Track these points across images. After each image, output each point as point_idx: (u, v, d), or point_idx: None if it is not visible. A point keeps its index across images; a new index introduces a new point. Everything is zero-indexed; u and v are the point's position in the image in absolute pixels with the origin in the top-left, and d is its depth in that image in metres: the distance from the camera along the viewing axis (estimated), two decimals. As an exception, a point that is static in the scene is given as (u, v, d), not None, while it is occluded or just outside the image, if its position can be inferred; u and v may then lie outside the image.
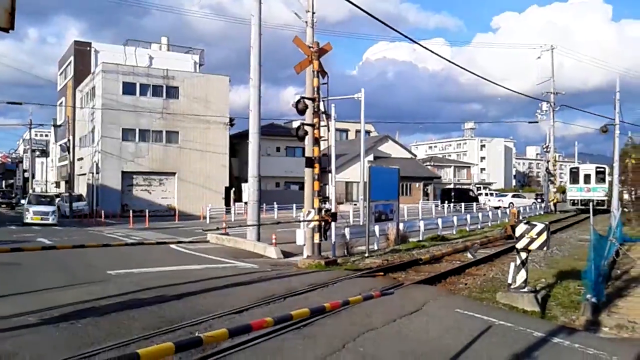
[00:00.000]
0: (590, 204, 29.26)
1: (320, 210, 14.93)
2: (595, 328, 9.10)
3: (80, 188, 50.41)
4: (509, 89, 61.04)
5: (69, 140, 47.37)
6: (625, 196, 33.12)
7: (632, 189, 32.35)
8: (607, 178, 44.72)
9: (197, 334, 4.43)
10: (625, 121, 36.66)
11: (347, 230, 18.24)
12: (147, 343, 6.55)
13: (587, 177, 47.82)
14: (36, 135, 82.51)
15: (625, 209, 28.02)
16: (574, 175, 49.48)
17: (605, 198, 42.28)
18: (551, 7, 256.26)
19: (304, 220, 16.00)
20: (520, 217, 25.52)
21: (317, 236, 14.93)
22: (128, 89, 45.25)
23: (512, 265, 10.78)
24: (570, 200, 49.17)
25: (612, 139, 33.78)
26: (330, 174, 21.89)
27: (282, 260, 16.22)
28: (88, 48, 52.90)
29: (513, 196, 68.22)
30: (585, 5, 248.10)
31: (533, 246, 10.48)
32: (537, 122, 54.89)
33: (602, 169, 47.70)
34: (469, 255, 16.85)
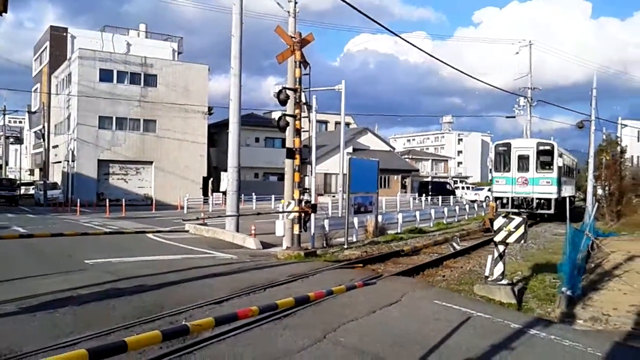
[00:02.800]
0: (531, 204, 28.62)
1: (300, 201, 14.93)
2: (570, 320, 9.27)
3: (55, 176, 49.70)
4: (487, 83, 61.36)
5: (43, 127, 46.71)
6: (599, 192, 33.71)
7: (606, 184, 32.94)
8: (557, 162, 28.70)
9: (182, 323, 4.41)
10: (601, 117, 37.21)
11: (326, 222, 18.27)
12: (127, 333, 6.52)
13: (523, 161, 29.65)
14: (10, 121, 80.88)
15: (599, 204, 28.58)
16: (502, 158, 30.34)
17: (554, 196, 28.25)
18: (531, 3, 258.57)
19: (284, 212, 15.99)
20: (498, 211, 25.93)
21: (296, 227, 14.94)
22: (105, 76, 44.63)
23: (490, 257, 10.92)
24: (497, 198, 30.06)
25: (588, 135, 34.29)
26: (310, 166, 21.87)
27: (261, 251, 16.21)
28: (64, 34, 52.01)
29: (489, 190, 68.76)
30: (565, 2, 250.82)
31: (510, 239, 10.62)
32: (514, 117, 55.27)
33: (547, 148, 29.63)
34: (452, 247, 17.02)
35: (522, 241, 10.95)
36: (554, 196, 28.04)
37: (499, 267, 10.67)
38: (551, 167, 28.68)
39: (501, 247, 10.67)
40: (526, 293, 11.20)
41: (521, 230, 10.58)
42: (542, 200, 28.24)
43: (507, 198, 29.05)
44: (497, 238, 10.71)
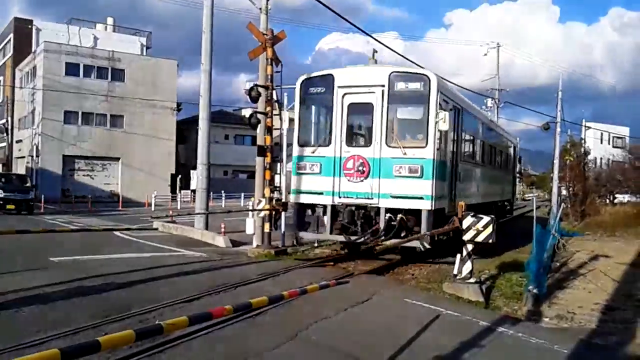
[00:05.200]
0: (372, 223, 12.89)
1: (270, 199, 14.86)
2: (537, 318, 9.45)
3: (19, 171, 48.53)
4: (454, 84, 61.80)
5: (7, 121, 45.56)
6: (564, 192, 34.39)
7: (570, 185, 33.62)
8: (439, 122, 12.51)
9: (154, 322, 4.35)
10: (566, 120, 37.98)
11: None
12: (95, 332, 6.41)
13: (359, 119, 14.05)
14: (-29, 115, 78.72)
15: (563, 205, 29.10)
16: (316, 111, 14.63)
17: (427, 205, 12.51)
18: (501, 5, 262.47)
19: (254, 210, 15.92)
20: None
21: (267, 225, 14.86)
22: (71, 70, 43.79)
23: (458, 256, 11.05)
24: (300, 206, 13.94)
25: (553, 137, 34.95)
26: (281, 164, 21.81)
27: (231, 249, 16.10)
28: (29, 26, 50.71)
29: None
30: (534, 5, 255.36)
31: (479, 238, 10.76)
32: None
33: (416, 88, 12.83)
34: (422, 245, 17.08)
35: (490, 240, 11.11)
36: (426, 206, 12.48)
37: (467, 266, 10.79)
38: (423, 133, 12.80)
39: (470, 246, 10.80)
40: (493, 291, 11.36)
41: (489, 229, 10.73)
42: (400, 216, 12.63)
43: (322, 207, 13.44)
44: (466, 237, 10.84)
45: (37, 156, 42.25)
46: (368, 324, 7.85)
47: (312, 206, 13.70)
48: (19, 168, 48.96)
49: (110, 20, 55.03)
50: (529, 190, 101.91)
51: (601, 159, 53.20)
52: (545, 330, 8.47)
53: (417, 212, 12.49)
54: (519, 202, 65.65)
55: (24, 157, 47.01)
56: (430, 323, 7.96)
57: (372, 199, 12.78)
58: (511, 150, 26.87)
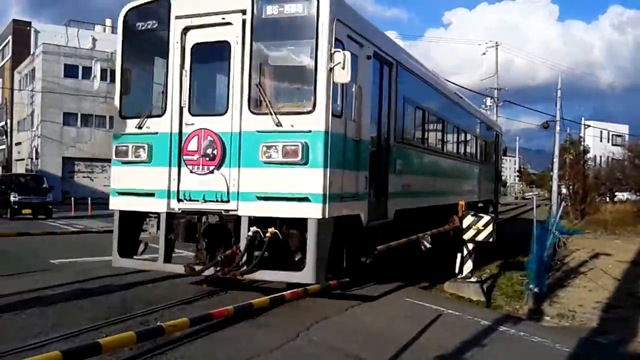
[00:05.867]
0: (225, 242, 8.18)
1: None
2: (538, 317, 9.47)
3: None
4: (453, 83, 61.92)
5: (6, 123, 45.54)
6: (564, 190, 34.40)
7: (570, 183, 33.64)
8: (340, 78, 7.51)
9: (152, 324, 4.34)
10: (565, 118, 37.98)
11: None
12: (96, 334, 6.38)
13: (209, 68, 8.98)
14: (-30, 117, 78.76)
15: (564, 203, 29.10)
16: (141, 61, 9.43)
17: (315, 214, 7.36)
18: (501, 5, 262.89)
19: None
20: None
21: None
22: (70, 71, 43.83)
23: (459, 255, 11.06)
24: (122, 215, 8.82)
25: (552, 135, 34.96)
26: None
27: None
28: (28, 28, 50.82)
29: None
30: (533, 4, 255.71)
31: (480, 237, 10.77)
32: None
33: (300, 16, 7.63)
34: (423, 245, 17.09)
35: (491, 239, 11.12)
36: (313, 212, 7.45)
37: (468, 265, 10.81)
38: (309, 90, 7.78)
39: (470, 246, 10.81)
40: (494, 290, 11.39)
41: (490, 228, 10.74)
42: (272, 231, 7.65)
43: (155, 218, 8.72)
44: (467, 236, 10.85)
45: (37, 158, 42.29)
46: (369, 323, 7.83)
47: (141, 216, 8.87)
48: (19, 170, 48.96)
49: (108, 22, 55.05)
50: (529, 189, 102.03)
51: (601, 157, 53.25)
52: (546, 329, 8.49)
53: (301, 224, 7.55)
54: (519, 201, 65.81)
55: (23, 159, 47.03)
56: (432, 323, 7.94)
57: (227, 202, 7.84)
58: (492, 139, 22.27)
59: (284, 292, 5.24)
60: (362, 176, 8.77)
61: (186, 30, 8.23)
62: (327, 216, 7.44)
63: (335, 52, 7.45)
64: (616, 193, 40.38)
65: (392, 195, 10.16)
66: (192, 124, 8.14)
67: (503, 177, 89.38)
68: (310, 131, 7.40)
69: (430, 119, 13.49)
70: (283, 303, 7.38)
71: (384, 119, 10.04)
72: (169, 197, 8.26)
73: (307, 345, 6.60)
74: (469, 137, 18.04)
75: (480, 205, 18.65)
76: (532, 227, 12.27)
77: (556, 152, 34.11)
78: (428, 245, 10.65)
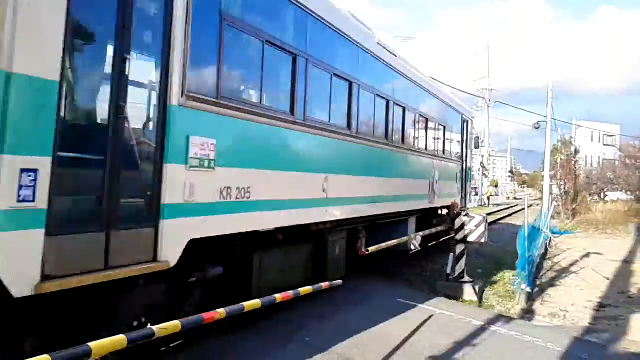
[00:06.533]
0: None
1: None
2: (530, 316, 9.51)
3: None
4: (445, 84, 62.11)
5: None
6: (555, 190, 34.55)
7: (562, 183, 33.80)
8: None
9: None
10: (557, 118, 38.15)
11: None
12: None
13: None
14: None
15: (555, 203, 29.25)
16: None
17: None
18: (493, 6, 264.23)
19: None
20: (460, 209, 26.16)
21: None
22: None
23: (451, 256, 11.09)
24: None
25: (544, 136, 35.12)
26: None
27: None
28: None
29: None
30: (526, 5, 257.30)
31: (472, 237, 10.82)
32: (473, 117, 56.70)
33: None
34: (413, 245, 17.15)
35: (483, 239, 11.16)
36: None
37: (461, 265, 10.84)
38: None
39: (462, 246, 10.84)
40: (486, 290, 11.41)
41: (482, 228, 10.80)
42: None
43: None
44: (459, 236, 10.90)
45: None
46: (362, 324, 7.83)
47: None
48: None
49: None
50: (521, 190, 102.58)
51: (592, 157, 53.53)
52: (538, 328, 8.51)
53: None
54: (510, 201, 65.98)
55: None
56: (424, 323, 7.97)
57: None
58: (456, 125, 17.03)
59: (275, 295, 5.24)
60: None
61: None
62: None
63: None
64: (607, 193, 40.59)
65: (178, 209, 5.08)
66: None
67: (494, 177, 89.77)
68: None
69: (318, 73, 8.05)
70: (274, 305, 7.37)
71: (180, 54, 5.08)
72: None
73: (300, 347, 6.59)
74: (413, 117, 12.55)
75: (442, 212, 15.18)
76: (523, 227, 12.31)
77: (547, 153, 34.25)
78: (418, 248, 10.71)
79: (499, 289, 11.58)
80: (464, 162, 17.78)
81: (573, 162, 35.15)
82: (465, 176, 17.99)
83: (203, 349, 6.39)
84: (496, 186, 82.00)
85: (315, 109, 7.99)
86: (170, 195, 4.90)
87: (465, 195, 18.19)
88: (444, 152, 15.27)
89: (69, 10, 3.91)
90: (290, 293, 5.36)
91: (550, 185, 33.91)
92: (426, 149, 13.62)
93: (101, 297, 4.39)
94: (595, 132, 67.99)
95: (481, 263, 14.72)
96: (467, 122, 18.42)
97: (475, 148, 20.67)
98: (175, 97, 4.97)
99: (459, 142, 17.46)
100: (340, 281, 7.09)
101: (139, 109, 4.98)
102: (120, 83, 4.50)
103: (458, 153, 17.20)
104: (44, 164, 3.74)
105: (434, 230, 14.17)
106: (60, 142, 3.87)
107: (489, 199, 52.49)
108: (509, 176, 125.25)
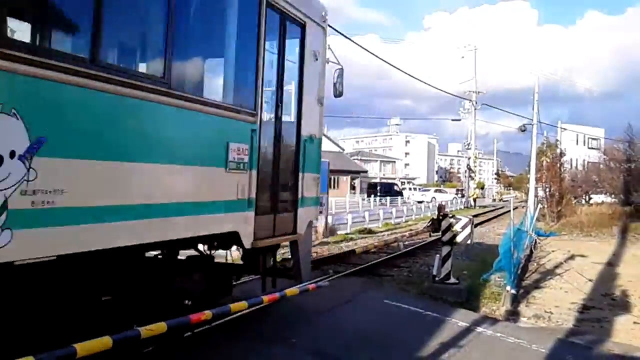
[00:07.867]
0: None
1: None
2: (515, 318, 9.56)
3: None
4: (432, 86, 62.49)
5: None
6: (540, 193, 34.79)
7: (547, 186, 34.03)
8: None
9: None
10: (543, 121, 38.45)
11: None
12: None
13: None
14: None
15: (540, 205, 29.39)
16: None
17: None
18: (480, 9, 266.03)
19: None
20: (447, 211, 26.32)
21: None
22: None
23: (437, 257, 11.13)
24: None
25: (530, 138, 35.38)
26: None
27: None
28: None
29: (435, 191, 70.65)
30: (512, 8, 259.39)
31: (458, 239, 10.86)
32: (459, 119, 57.09)
33: None
34: (400, 247, 17.28)
35: (469, 241, 11.21)
36: None
37: (447, 267, 10.88)
38: None
39: (448, 247, 10.89)
40: (472, 292, 11.45)
41: (467, 230, 10.85)
42: None
43: None
44: (445, 238, 10.94)
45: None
46: (349, 325, 7.84)
47: None
48: None
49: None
50: (506, 192, 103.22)
51: (577, 160, 54.00)
52: (523, 329, 8.57)
53: None
54: (497, 203, 66.25)
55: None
56: (410, 324, 8.00)
57: None
58: (273, 34, 6.84)
59: (262, 296, 5.23)
60: None
61: None
62: None
63: None
64: (592, 195, 40.96)
65: None
66: None
67: (480, 179, 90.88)
68: None
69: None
70: (260, 306, 7.37)
71: None
72: None
73: (287, 349, 6.58)
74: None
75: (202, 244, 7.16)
76: (509, 229, 12.38)
77: (533, 155, 34.52)
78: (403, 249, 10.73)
79: (484, 290, 11.63)
80: (300, 117, 7.49)
81: (558, 165, 35.41)
82: (299, 149, 7.49)
83: (185, 351, 6.36)
84: (482, 188, 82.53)
85: None
86: None
87: (297, 200, 7.48)
88: (228, 95, 6.32)
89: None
90: (277, 294, 5.36)
91: (536, 188, 34.17)
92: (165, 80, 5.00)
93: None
94: (580, 135, 68.62)
95: (466, 265, 14.79)
96: (304, 26, 7.52)
97: (337, 96, 8.71)
98: None
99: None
100: (326, 283, 7.10)
101: None
102: None
103: (285, 96, 7.31)
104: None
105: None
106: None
107: (475, 201, 52.79)
108: (495, 178, 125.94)
